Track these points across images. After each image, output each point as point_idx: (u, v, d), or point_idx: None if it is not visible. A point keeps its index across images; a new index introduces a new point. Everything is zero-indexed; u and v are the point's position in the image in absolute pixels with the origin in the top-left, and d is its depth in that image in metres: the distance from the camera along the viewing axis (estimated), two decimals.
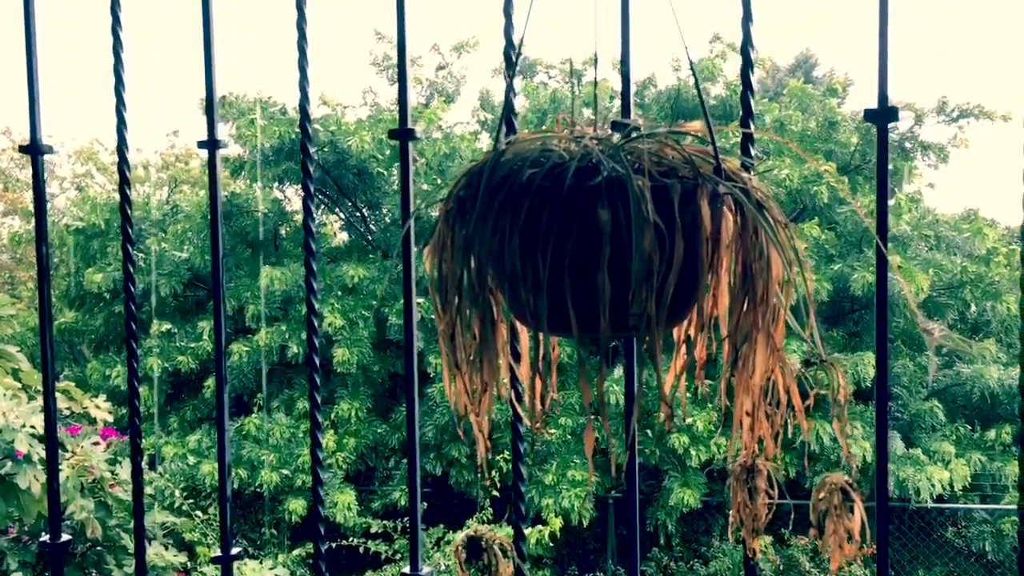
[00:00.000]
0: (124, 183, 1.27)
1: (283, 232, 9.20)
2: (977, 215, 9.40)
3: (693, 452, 6.82)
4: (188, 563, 6.57)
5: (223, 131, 9.37)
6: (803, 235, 7.44)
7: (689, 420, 6.87)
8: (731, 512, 0.92)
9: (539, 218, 0.77)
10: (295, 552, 6.94)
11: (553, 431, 7.02)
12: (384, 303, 8.12)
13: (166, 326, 8.21)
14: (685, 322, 0.92)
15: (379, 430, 7.76)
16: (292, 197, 9.60)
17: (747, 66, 1.10)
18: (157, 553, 5.38)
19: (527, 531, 6.38)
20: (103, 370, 8.21)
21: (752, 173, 0.87)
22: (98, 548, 4.22)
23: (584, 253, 0.76)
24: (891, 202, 7.61)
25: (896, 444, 7.13)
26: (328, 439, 7.39)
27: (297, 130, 8.49)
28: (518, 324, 0.90)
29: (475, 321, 0.79)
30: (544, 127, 9.09)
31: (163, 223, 9.26)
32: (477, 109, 9.98)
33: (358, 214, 9.42)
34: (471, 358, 0.82)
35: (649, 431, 7.16)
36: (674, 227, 0.76)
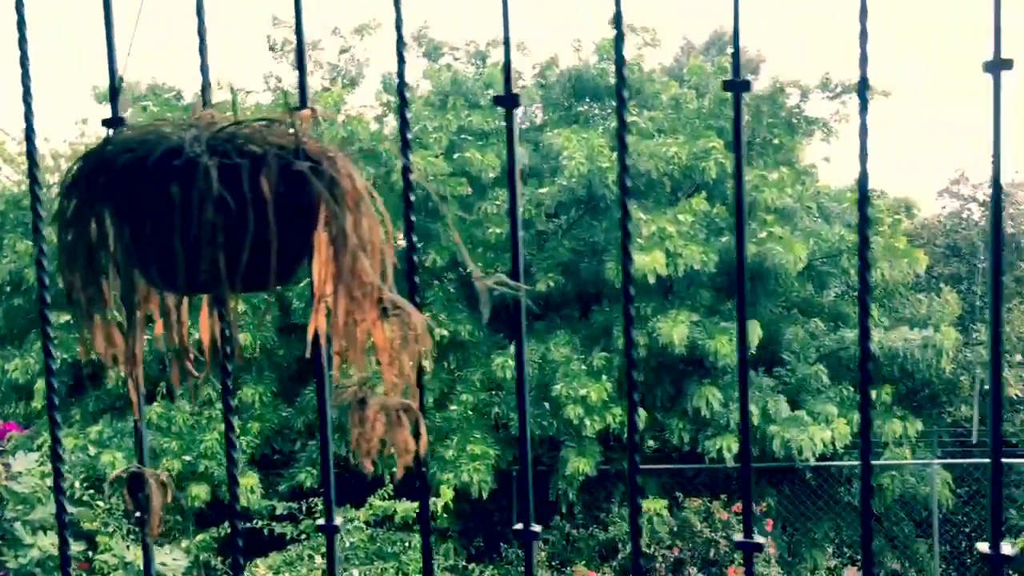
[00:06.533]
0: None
1: None
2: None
3: (588, 422, 7.06)
4: (90, 553, 6.58)
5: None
6: (691, 209, 7.71)
7: (583, 391, 7.10)
8: (351, 438, 1.06)
9: (128, 195, 0.91)
10: (199, 537, 7.00)
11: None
12: (288, 288, 8.17)
13: (65, 317, 8.12)
14: (322, 280, 1.06)
15: (284, 413, 7.84)
16: None
17: (400, 46, 1.25)
18: (53, 543, 5.39)
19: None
20: (1, 364, 8.11)
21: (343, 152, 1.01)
22: None
23: (163, 223, 0.90)
24: (774, 175, 7.93)
25: (781, 407, 7.47)
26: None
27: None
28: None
29: (81, 281, 0.93)
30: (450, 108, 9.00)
31: None
32: (380, 91, 10.03)
33: None
34: (95, 317, 0.96)
35: (546, 403, 7.38)
36: (244, 200, 0.91)
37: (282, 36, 9.81)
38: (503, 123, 8.95)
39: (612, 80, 9.67)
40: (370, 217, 0.99)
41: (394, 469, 1.06)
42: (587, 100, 9.95)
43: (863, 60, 1.08)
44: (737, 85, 1.13)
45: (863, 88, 1.09)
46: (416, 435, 1.03)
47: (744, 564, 1.18)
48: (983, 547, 1.10)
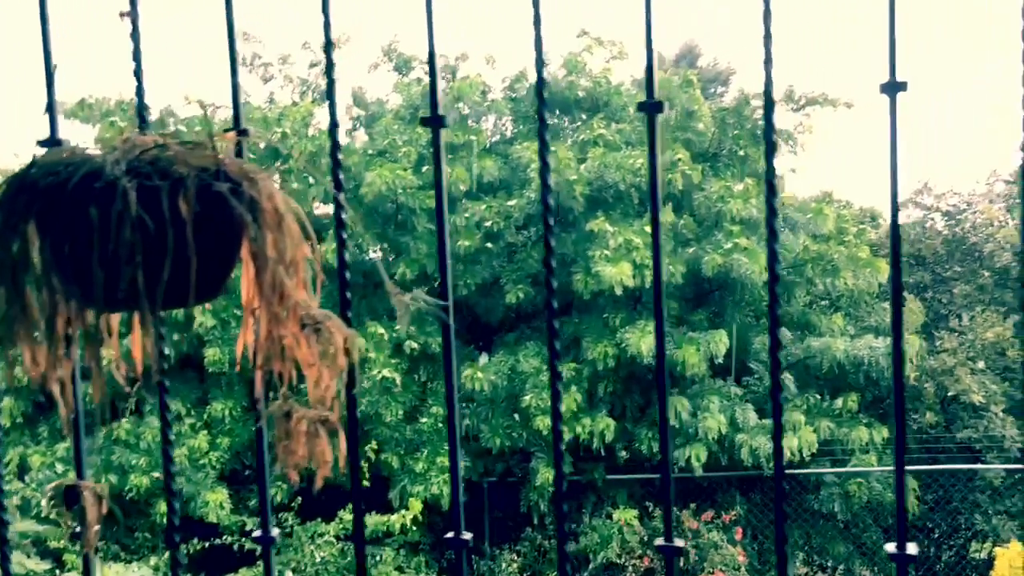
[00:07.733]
0: None
1: None
2: (831, 197, 9.97)
3: None
4: (57, 570, 6.51)
5: (88, 134, 9.22)
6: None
7: None
8: (277, 450, 1.09)
9: (50, 215, 0.94)
10: (168, 555, 6.95)
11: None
12: None
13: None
14: (250, 297, 1.09)
15: (254, 428, 7.80)
16: None
17: (331, 65, 1.28)
18: (19, 562, 5.35)
19: (393, 517, 6.55)
20: None
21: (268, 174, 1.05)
22: None
23: (83, 243, 0.93)
24: (739, 187, 8.03)
25: (749, 416, 7.54)
26: (200, 439, 7.41)
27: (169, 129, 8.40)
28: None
29: (4, 299, 0.96)
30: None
31: None
32: (351, 106, 10.06)
33: None
34: (20, 334, 0.98)
35: (516, 415, 7.40)
36: (163, 221, 0.94)
37: (251, 51, 9.82)
38: (472, 137, 9.03)
39: (581, 94, 9.76)
40: (293, 236, 1.02)
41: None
42: (556, 113, 10.02)
43: (768, 82, 1.13)
44: (651, 107, 1.17)
45: (768, 110, 1.14)
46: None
47: (665, 568, 1.21)
48: (890, 547, 1.15)
